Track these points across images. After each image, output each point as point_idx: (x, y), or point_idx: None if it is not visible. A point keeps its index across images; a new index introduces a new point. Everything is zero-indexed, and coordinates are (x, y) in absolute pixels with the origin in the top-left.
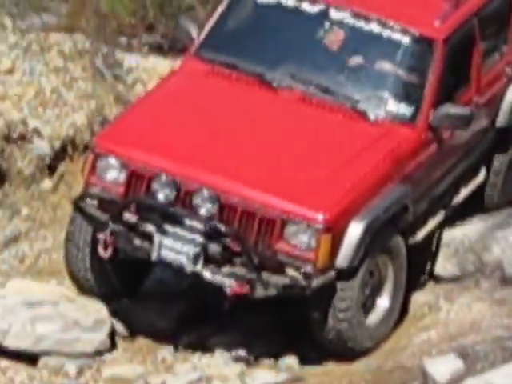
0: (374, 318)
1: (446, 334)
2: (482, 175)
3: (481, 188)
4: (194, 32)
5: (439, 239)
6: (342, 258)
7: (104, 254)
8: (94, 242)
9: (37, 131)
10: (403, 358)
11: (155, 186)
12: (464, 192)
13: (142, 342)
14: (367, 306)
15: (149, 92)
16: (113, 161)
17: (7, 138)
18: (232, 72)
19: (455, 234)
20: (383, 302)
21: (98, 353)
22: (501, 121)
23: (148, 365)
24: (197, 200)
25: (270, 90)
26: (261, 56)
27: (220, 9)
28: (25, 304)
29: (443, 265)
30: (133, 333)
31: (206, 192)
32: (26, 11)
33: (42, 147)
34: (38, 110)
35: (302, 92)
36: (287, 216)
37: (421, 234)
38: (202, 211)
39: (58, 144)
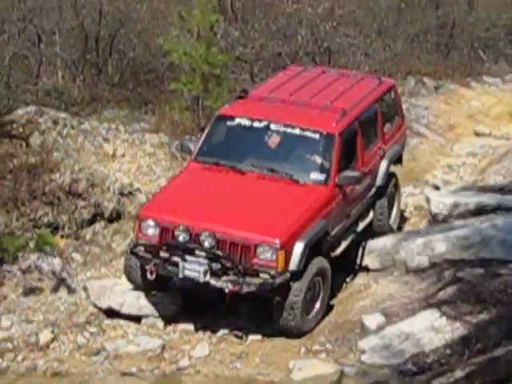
0: (311, 314)
1: (374, 302)
2: (371, 215)
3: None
4: (192, 147)
5: (364, 248)
6: (293, 264)
7: (151, 277)
8: (142, 269)
9: (138, 189)
10: (350, 315)
11: (177, 233)
12: (362, 224)
13: (195, 312)
14: (308, 309)
15: (169, 182)
16: (151, 222)
17: (122, 194)
18: (217, 167)
19: (378, 243)
20: (317, 305)
21: (174, 316)
22: (378, 181)
23: (196, 324)
24: (202, 238)
25: (241, 173)
26: (233, 156)
27: (205, 132)
28: (132, 288)
29: (372, 261)
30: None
31: (206, 233)
32: (131, 121)
33: (142, 198)
34: (139, 177)
35: (259, 173)
36: (258, 243)
37: (338, 251)
38: (206, 244)
39: (150, 196)
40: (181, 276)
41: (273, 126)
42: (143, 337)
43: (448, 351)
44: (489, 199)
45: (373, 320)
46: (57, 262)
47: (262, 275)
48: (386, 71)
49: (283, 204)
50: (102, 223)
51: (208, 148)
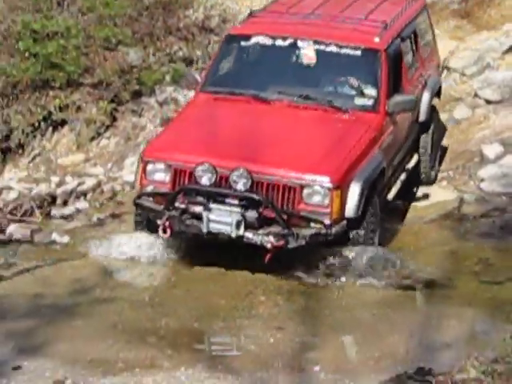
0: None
1: (493, 132)
2: (416, 156)
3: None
4: (198, 77)
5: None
6: (349, 210)
7: (164, 235)
8: (152, 226)
9: None
10: (470, 145)
11: (199, 174)
12: (411, 163)
13: None
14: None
15: (174, 117)
16: (160, 165)
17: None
18: (233, 97)
19: (498, 76)
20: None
21: None
22: (421, 116)
23: None
24: (233, 178)
25: (266, 103)
26: (252, 83)
27: (214, 56)
28: None
29: (492, 93)
30: None
31: (240, 171)
32: None
33: None
34: None
35: (289, 101)
36: (305, 183)
37: (391, 195)
38: (239, 186)
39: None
40: (205, 230)
41: (301, 44)
42: None
43: None
44: None
45: (492, 150)
46: (192, 95)
47: (312, 224)
48: None
49: (327, 136)
50: None
51: (219, 75)
